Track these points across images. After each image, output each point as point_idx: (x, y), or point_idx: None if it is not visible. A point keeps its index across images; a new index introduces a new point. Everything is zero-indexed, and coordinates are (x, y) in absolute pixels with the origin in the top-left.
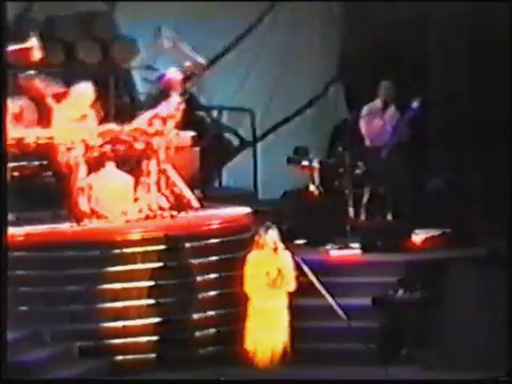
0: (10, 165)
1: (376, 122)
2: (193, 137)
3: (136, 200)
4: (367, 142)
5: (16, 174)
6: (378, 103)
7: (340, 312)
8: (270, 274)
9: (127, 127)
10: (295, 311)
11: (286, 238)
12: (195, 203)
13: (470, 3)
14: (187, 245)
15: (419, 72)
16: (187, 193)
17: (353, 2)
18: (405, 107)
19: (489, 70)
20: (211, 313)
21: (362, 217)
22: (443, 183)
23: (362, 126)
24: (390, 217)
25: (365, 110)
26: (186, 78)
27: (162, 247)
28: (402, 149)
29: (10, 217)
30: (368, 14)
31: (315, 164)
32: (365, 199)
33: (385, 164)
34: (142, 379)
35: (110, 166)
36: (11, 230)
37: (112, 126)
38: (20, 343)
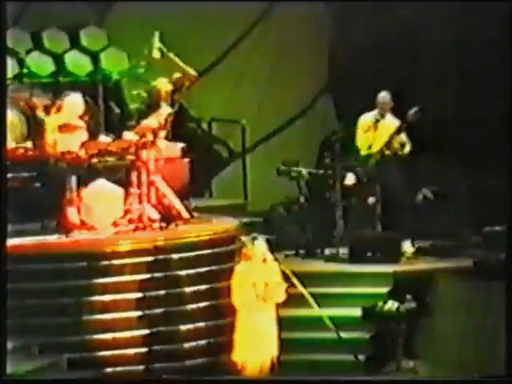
0: None
1: (372, 132)
2: (182, 148)
3: (126, 211)
4: (361, 152)
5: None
6: (374, 114)
7: (329, 323)
8: (256, 285)
9: (117, 139)
10: (284, 322)
11: (275, 249)
12: (185, 214)
13: (469, 4)
14: (176, 256)
15: (409, 83)
16: (177, 204)
17: (341, 14)
18: (401, 118)
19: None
20: (200, 324)
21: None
22: (432, 193)
23: (358, 136)
24: (379, 227)
25: (361, 120)
26: (176, 90)
27: (151, 259)
28: (397, 159)
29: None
30: (357, 25)
31: (305, 175)
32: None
33: (379, 174)
34: (139, 379)
35: (100, 178)
36: None
37: (102, 138)
38: (9, 356)
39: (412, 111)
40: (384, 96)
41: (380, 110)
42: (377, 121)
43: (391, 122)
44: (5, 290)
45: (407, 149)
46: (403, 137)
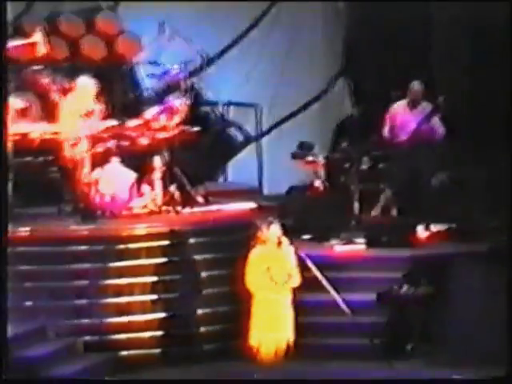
0: (16, 160)
1: (402, 119)
2: (198, 132)
3: (141, 195)
4: (390, 138)
5: (22, 169)
6: (405, 102)
7: (344, 307)
8: (271, 269)
9: (132, 123)
10: (299, 306)
11: (291, 233)
12: (200, 199)
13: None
14: (192, 240)
15: (423, 67)
16: (192, 188)
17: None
18: (432, 106)
19: (491, 65)
20: (215, 309)
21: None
22: (448, 178)
23: (388, 121)
24: (394, 212)
25: (393, 107)
26: (191, 74)
27: (166, 242)
28: (429, 147)
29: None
30: (372, 7)
31: (320, 159)
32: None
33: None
34: (139, 379)
35: (115, 162)
36: (16, 226)
37: (117, 122)
38: (25, 338)
39: (441, 98)
40: (416, 85)
41: (412, 98)
42: (408, 108)
43: (423, 110)
44: (5, 290)
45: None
46: (437, 121)
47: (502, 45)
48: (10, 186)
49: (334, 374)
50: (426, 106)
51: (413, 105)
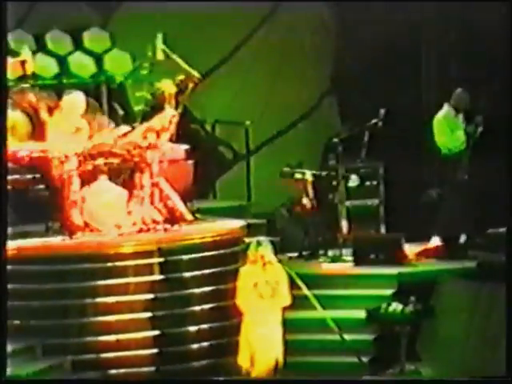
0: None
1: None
2: (186, 150)
3: (129, 213)
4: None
5: (9, 187)
6: (447, 110)
7: (333, 325)
8: (258, 285)
9: (121, 140)
10: (288, 324)
11: (279, 251)
12: (189, 216)
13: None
14: (180, 258)
15: (414, 83)
16: (180, 206)
17: (346, 14)
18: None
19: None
20: (205, 326)
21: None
22: (437, 195)
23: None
24: (383, 229)
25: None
26: (180, 91)
27: (155, 260)
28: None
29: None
30: (361, 25)
31: (308, 177)
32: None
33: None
34: (137, 380)
35: (104, 179)
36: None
37: (105, 139)
38: (12, 358)
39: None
40: (459, 93)
41: (455, 106)
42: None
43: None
44: (5, 291)
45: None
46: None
47: (503, 44)
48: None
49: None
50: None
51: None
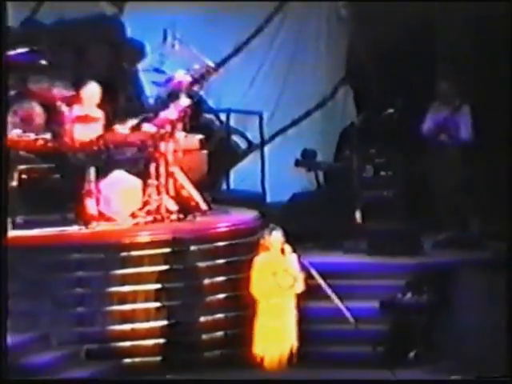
0: (19, 167)
1: (431, 121)
2: (201, 140)
3: (144, 203)
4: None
5: (24, 176)
6: (435, 104)
7: (348, 315)
8: (276, 275)
9: (136, 130)
10: (303, 314)
11: (294, 241)
12: (203, 206)
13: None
14: (195, 248)
15: (429, 72)
16: (195, 196)
17: (360, 3)
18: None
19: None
20: (218, 316)
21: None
22: (451, 185)
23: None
24: (398, 220)
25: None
26: (194, 81)
27: (169, 250)
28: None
29: (18, 219)
30: (376, 14)
31: (323, 167)
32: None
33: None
34: (145, 380)
35: (119, 169)
36: (19, 233)
37: (121, 129)
38: (27, 346)
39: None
40: (442, 85)
41: (439, 98)
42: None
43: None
44: (5, 290)
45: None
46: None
47: (503, 45)
48: (14, 192)
49: (337, 382)
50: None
51: (440, 105)
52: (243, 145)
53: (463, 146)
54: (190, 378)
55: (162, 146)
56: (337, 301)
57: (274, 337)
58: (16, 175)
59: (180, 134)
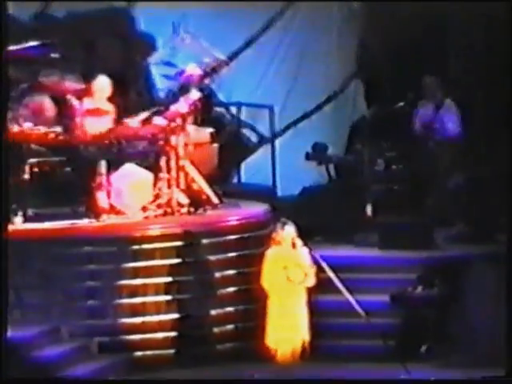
0: (30, 161)
1: (419, 118)
2: (211, 133)
3: (155, 196)
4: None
5: (36, 170)
6: (422, 101)
7: (358, 309)
8: (288, 269)
9: (147, 123)
10: (314, 308)
11: (305, 235)
12: (214, 199)
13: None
14: (206, 241)
15: (439, 67)
16: (206, 189)
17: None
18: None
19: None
20: (229, 309)
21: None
22: (464, 181)
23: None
24: (408, 213)
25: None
26: (205, 75)
27: (180, 243)
28: (448, 145)
29: (30, 212)
30: (387, 8)
31: (334, 160)
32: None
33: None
34: (146, 379)
35: (129, 162)
36: (30, 226)
37: (131, 122)
38: (39, 339)
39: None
40: (426, 80)
41: (425, 93)
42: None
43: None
44: (5, 289)
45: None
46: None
47: (503, 45)
48: (25, 185)
49: (348, 376)
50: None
51: (427, 101)
52: (254, 138)
53: (451, 141)
54: (200, 373)
55: (173, 139)
56: (347, 294)
57: (286, 330)
58: (27, 168)
59: (191, 128)
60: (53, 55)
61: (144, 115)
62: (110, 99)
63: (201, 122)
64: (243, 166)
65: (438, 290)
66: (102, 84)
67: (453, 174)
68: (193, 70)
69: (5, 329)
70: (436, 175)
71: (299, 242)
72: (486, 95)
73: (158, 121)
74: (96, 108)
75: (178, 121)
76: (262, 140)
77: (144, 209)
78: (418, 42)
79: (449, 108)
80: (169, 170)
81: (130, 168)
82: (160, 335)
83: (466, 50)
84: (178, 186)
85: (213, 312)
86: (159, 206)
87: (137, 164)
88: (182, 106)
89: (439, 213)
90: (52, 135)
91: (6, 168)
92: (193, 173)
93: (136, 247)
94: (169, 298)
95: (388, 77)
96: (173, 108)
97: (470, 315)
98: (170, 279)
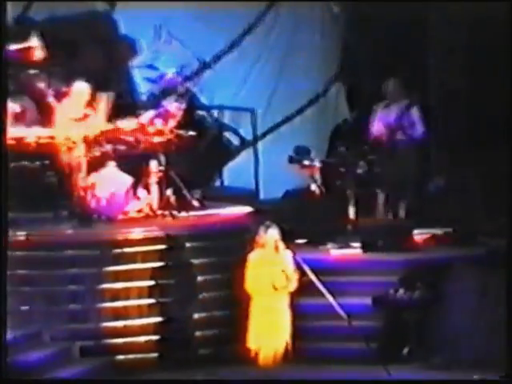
0: (12, 165)
1: (382, 121)
2: (194, 136)
3: (137, 199)
4: (374, 141)
5: (17, 173)
6: (384, 103)
7: (341, 311)
8: (271, 273)
9: (128, 127)
10: (296, 311)
11: (287, 238)
12: (196, 203)
13: (470, 3)
14: (188, 244)
15: (420, 70)
16: (188, 193)
17: (352, 1)
18: (410, 106)
19: (489, 68)
20: (211, 313)
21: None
22: (445, 182)
23: (371, 125)
24: (390, 216)
25: (374, 109)
26: (187, 78)
27: (162, 247)
28: (412, 147)
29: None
30: (369, 12)
31: (316, 163)
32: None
33: (392, 162)
34: (141, 379)
35: (111, 166)
36: (12, 231)
37: (113, 126)
38: (20, 343)
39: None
40: (389, 83)
41: (388, 96)
42: (386, 109)
43: (402, 110)
44: (5, 288)
45: (419, 131)
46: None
47: (502, 44)
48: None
49: (330, 378)
50: (403, 104)
51: (389, 104)
52: (236, 141)
53: (418, 143)
54: (183, 377)
55: (155, 142)
56: (330, 297)
57: (268, 333)
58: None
59: (173, 131)
60: (34, 58)
61: (126, 118)
62: (90, 103)
63: (183, 126)
64: (226, 169)
65: (420, 292)
66: (81, 88)
67: (434, 176)
68: (175, 72)
69: (5, 329)
70: (418, 177)
71: (282, 245)
72: (469, 97)
73: (140, 124)
74: (77, 111)
75: (160, 124)
76: (245, 143)
77: (126, 212)
78: (401, 44)
79: (413, 112)
80: (151, 174)
81: (111, 172)
82: (142, 339)
83: (449, 53)
84: (160, 190)
85: (195, 316)
86: (141, 210)
87: (118, 167)
88: (164, 109)
89: (421, 215)
90: (32, 138)
91: (5, 169)
92: (175, 176)
93: (118, 251)
94: (151, 301)
95: (370, 79)
96: (155, 111)
97: (452, 317)
98: (152, 283)
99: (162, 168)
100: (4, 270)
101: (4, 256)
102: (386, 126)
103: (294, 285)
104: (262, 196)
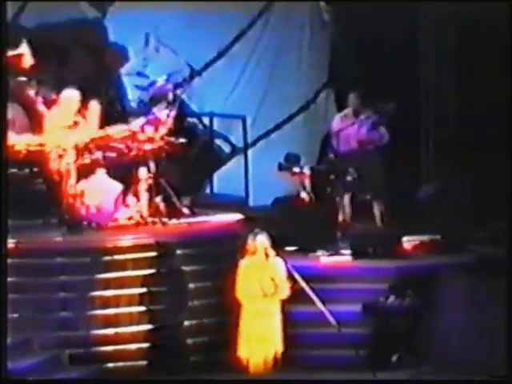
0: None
1: (346, 130)
2: (184, 143)
3: (127, 207)
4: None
5: (7, 181)
6: (348, 112)
7: (331, 319)
8: (262, 280)
9: (118, 134)
10: (286, 318)
11: (277, 245)
12: (186, 210)
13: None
14: (178, 252)
15: (409, 77)
16: (178, 200)
17: (342, 8)
18: (378, 113)
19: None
20: (202, 320)
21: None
22: (433, 190)
23: (334, 134)
24: (380, 223)
25: (336, 119)
26: (177, 85)
27: (152, 254)
28: (380, 154)
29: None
30: (358, 17)
31: (306, 171)
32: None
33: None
34: (138, 380)
35: (101, 173)
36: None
37: (103, 133)
38: (9, 351)
39: (389, 105)
40: (352, 97)
41: (353, 108)
42: (351, 118)
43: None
44: (4, 288)
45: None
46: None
47: (502, 44)
48: None
49: None
50: (368, 115)
51: (354, 115)
52: (226, 149)
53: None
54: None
55: (145, 149)
56: (320, 304)
57: (259, 340)
58: None
59: (163, 138)
60: (23, 65)
61: (115, 126)
62: (79, 110)
63: (173, 133)
64: (216, 176)
65: (410, 299)
66: (71, 96)
67: (423, 183)
68: (165, 80)
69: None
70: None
71: (272, 253)
72: (459, 103)
73: (130, 131)
74: (66, 119)
75: (150, 131)
76: (235, 150)
77: (116, 220)
78: (391, 51)
79: (369, 121)
80: (141, 181)
81: (101, 179)
82: (133, 346)
83: (439, 55)
84: (150, 197)
85: (186, 323)
86: (131, 217)
87: (108, 174)
88: (154, 116)
89: (411, 222)
90: (23, 146)
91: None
92: (165, 183)
93: (108, 258)
94: (142, 308)
95: (359, 87)
96: (145, 118)
97: (442, 325)
98: (142, 290)
99: (151, 175)
100: (4, 278)
101: (4, 264)
102: (356, 140)
103: (286, 292)
104: (252, 203)
